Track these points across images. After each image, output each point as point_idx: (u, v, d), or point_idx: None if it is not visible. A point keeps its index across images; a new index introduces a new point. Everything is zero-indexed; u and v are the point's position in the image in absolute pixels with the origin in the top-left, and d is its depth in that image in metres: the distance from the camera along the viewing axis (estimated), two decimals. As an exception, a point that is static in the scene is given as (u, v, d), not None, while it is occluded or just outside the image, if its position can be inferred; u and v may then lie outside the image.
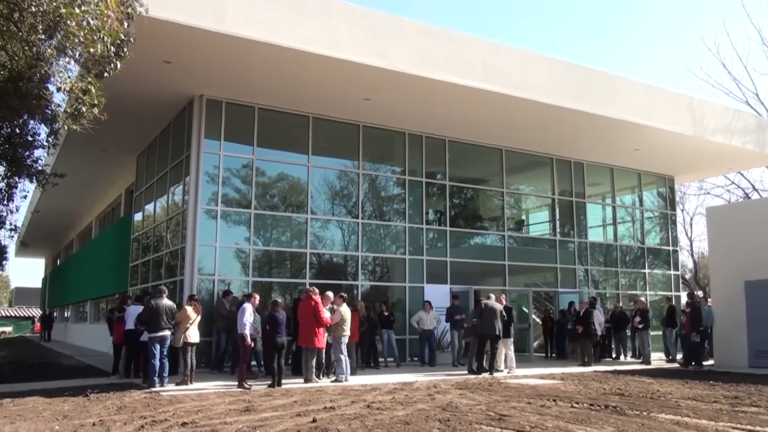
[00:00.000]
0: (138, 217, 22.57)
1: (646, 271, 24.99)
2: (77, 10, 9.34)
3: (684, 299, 22.31)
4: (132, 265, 22.13)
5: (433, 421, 8.63)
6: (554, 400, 10.77)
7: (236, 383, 12.71)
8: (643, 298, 21.30)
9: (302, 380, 13.57)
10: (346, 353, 14.13)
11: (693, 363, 18.22)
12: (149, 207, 21.32)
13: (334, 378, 13.99)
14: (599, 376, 15.45)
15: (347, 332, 14.16)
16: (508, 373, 16.19)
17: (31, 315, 65.46)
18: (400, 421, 8.60)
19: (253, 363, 15.02)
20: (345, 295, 14.88)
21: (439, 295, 19.15)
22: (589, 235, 23.76)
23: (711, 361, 19.49)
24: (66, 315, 41.77)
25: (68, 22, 9.40)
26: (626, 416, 9.15)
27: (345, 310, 14.21)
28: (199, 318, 13.66)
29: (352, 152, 19.14)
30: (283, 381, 13.03)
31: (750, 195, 35.05)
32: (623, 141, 21.23)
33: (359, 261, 18.78)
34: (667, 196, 26.49)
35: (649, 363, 19.16)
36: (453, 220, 20.79)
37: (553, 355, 21.68)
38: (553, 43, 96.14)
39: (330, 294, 14.24)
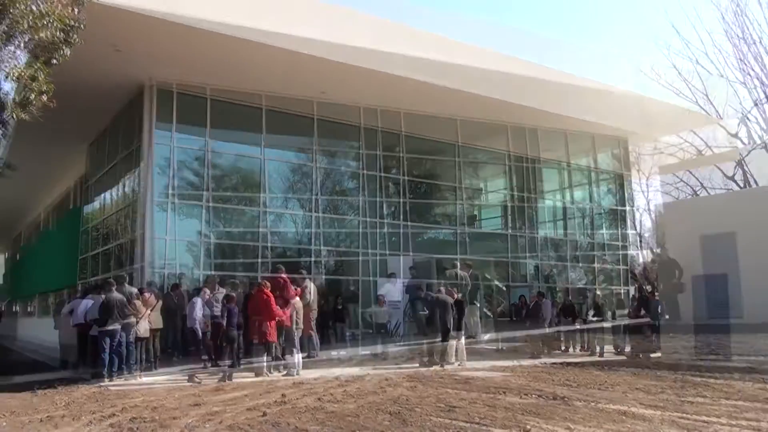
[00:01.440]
0: (89, 208, 22.13)
1: (596, 265, 25.34)
2: (23, -6, 9.15)
3: (632, 293, 22.74)
4: (81, 258, 21.69)
5: (384, 413, 8.66)
6: (504, 392, 10.87)
7: (186, 377, 12.57)
8: (596, 291, 21.65)
9: (253, 374, 13.49)
10: (298, 347, 14.08)
11: (641, 355, 18.53)
12: (101, 198, 20.91)
13: (285, 372, 13.92)
14: (548, 368, 15.65)
15: (300, 325, 14.12)
16: (459, 365, 16.28)
17: (-22, 309, 63.74)
18: (351, 413, 8.62)
19: (204, 357, 14.87)
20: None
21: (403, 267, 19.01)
22: (540, 229, 23.99)
23: (659, 354, 19.87)
24: (15, 309, 40.79)
25: (15, 6, 9.19)
26: (574, 407, 9.29)
27: (297, 303, 14.18)
28: (159, 304, 13.57)
29: (308, 145, 19.04)
30: (234, 375, 12.93)
31: (703, 152, 34.48)
32: (577, 104, 21.04)
33: (313, 254, 18.71)
34: (622, 158, 26.47)
35: (602, 355, 19.44)
36: (408, 215, 20.83)
37: (504, 348, 21.83)
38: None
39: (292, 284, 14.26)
